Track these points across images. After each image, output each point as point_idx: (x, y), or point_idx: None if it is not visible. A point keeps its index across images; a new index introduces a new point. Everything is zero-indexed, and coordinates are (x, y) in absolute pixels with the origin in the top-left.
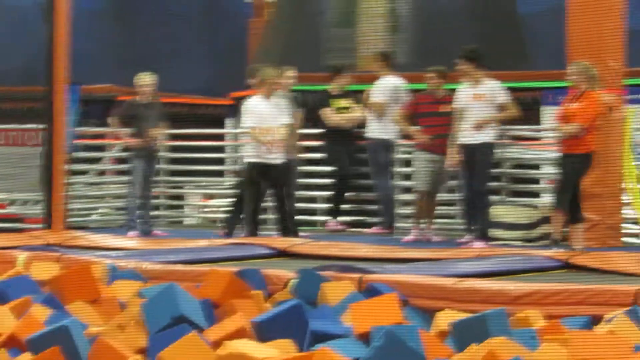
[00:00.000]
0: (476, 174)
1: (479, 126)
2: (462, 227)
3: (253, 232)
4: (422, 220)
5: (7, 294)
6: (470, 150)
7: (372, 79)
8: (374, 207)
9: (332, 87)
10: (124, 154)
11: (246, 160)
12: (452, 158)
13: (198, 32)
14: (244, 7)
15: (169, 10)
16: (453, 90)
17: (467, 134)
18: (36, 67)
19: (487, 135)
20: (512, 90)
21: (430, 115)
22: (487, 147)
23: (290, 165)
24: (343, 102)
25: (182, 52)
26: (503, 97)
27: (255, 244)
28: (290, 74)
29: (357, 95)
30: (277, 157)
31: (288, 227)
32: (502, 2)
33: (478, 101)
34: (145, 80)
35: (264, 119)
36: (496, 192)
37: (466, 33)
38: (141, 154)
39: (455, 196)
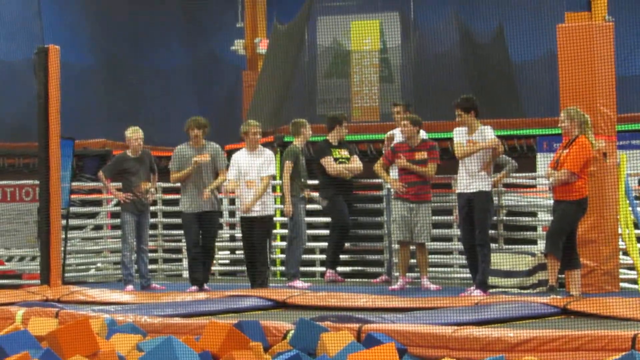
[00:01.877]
0: (475, 223)
1: (484, 170)
2: (459, 275)
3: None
4: (405, 269)
5: (5, 350)
6: (467, 199)
7: (367, 129)
8: (373, 257)
9: (331, 137)
10: (117, 209)
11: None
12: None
13: (192, 84)
14: (237, 59)
15: (162, 65)
16: (433, 139)
17: (463, 183)
18: (29, 123)
19: (483, 184)
20: (507, 138)
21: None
22: (484, 196)
23: (268, 217)
24: (342, 153)
25: (176, 104)
26: (489, 135)
27: (253, 296)
28: (308, 127)
29: (354, 146)
30: (256, 210)
31: (260, 278)
32: (495, 50)
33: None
34: (134, 133)
35: (246, 172)
36: (493, 239)
37: (460, 82)
38: (131, 207)
39: (452, 245)
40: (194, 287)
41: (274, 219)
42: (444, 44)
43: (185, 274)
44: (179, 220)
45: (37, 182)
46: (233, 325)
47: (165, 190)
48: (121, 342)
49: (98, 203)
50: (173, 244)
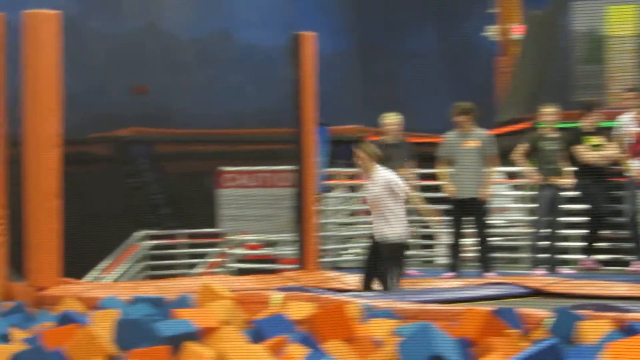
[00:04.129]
0: None
1: None
2: None
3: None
4: None
5: (263, 333)
6: None
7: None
8: (629, 245)
9: (584, 124)
10: None
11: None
12: None
13: (444, 70)
14: (490, 45)
15: (416, 51)
16: None
17: None
18: (286, 109)
19: None
20: None
21: None
22: None
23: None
24: (595, 140)
25: (429, 91)
26: None
27: (510, 283)
28: (549, 111)
29: (609, 133)
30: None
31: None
32: None
33: None
34: (391, 119)
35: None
36: None
37: None
38: None
39: None
40: (450, 274)
41: None
42: None
43: (439, 260)
44: (435, 207)
45: (293, 167)
46: (490, 312)
47: (423, 177)
48: (378, 327)
49: (352, 189)
50: (428, 230)
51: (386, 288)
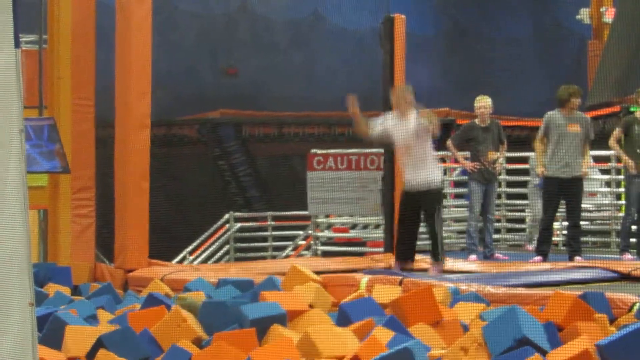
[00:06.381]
0: None
1: None
2: None
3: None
4: None
5: (350, 316)
6: None
7: None
8: None
9: None
10: (463, 177)
11: None
12: None
13: (536, 54)
14: (582, 28)
15: (506, 33)
16: None
17: None
18: (375, 93)
19: None
20: None
21: None
22: None
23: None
24: None
25: (520, 74)
26: None
27: (597, 267)
28: None
29: None
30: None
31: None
32: None
33: None
34: (483, 102)
35: None
36: None
37: None
38: (479, 177)
39: None
40: (538, 258)
41: None
42: None
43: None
44: (523, 190)
45: (381, 150)
46: (578, 297)
47: (510, 160)
48: (464, 310)
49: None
50: (517, 213)
51: (435, 250)
